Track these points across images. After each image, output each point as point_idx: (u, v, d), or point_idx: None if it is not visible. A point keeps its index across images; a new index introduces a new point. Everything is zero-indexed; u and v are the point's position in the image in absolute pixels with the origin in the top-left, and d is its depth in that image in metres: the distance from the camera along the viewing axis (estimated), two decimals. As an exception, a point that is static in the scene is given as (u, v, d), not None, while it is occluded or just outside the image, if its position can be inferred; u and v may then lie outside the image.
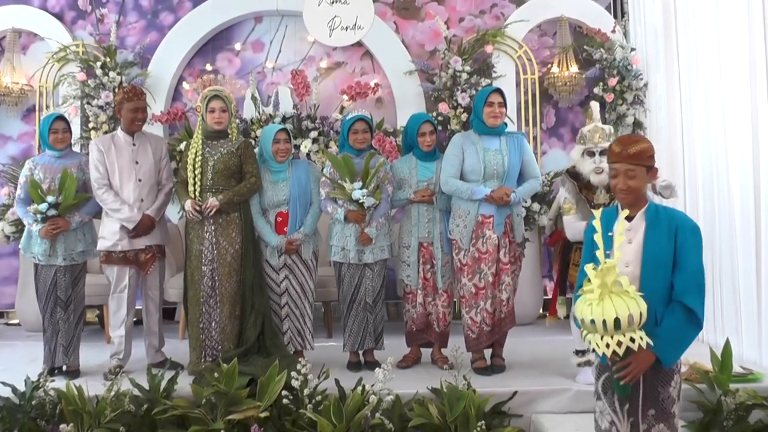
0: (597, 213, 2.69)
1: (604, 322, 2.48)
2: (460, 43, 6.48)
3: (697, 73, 5.34)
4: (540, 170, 4.84)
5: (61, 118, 4.67)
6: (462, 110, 6.23)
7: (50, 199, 4.41)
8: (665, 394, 2.70)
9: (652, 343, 2.54)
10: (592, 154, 4.24)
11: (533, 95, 6.52)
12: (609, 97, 6.25)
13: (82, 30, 6.77)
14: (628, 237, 2.71)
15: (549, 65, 6.58)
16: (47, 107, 6.61)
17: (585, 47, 6.44)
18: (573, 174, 4.36)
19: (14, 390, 3.90)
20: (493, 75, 6.42)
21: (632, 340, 2.48)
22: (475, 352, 4.49)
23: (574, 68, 6.41)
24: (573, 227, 4.25)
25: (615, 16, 6.61)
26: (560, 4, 6.55)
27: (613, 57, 6.29)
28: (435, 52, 6.61)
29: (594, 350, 2.60)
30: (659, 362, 2.63)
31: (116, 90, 6.19)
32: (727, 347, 3.98)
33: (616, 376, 2.62)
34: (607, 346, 2.49)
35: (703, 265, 2.71)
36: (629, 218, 2.73)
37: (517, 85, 6.52)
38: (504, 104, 4.46)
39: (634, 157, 2.69)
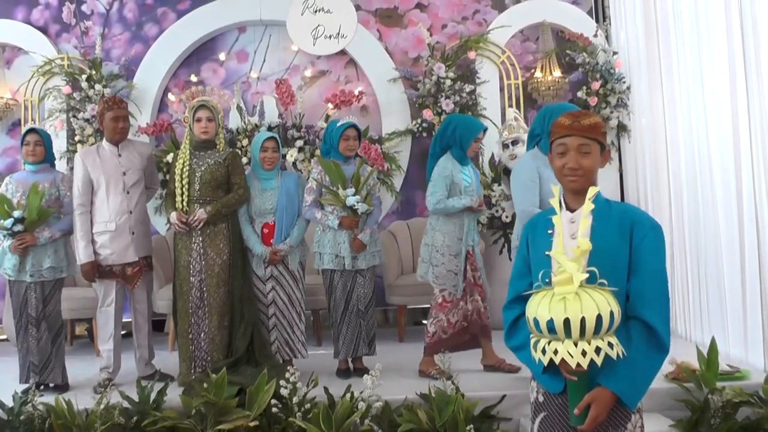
0: (556, 189, 2.22)
1: (582, 321, 1.94)
2: (443, 49, 6.53)
3: (679, 75, 5.39)
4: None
5: (34, 131, 4.61)
6: (446, 116, 6.23)
7: (16, 214, 4.34)
8: None
9: (625, 354, 2.03)
10: (506, 146, 5.00)
11: (517, 100, 6.56)
12: (592, 101, 6.29)
13: (67, 43, 6.80)
14: (571, 232, 2.15)
15: (532, 70, 6.61)
16: (33, 121, 6.62)
17: (567, 51, 6.48)
18: (506, 170, 5.04)
19: (2, 405, 3.90)
20: (477, 81, 6.47)
21: (611, 345, 1.98)
22: None
23: (557, 72, 6.45)
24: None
25: (597, 21, 6.65)
26: (542, 9, 6.61)
27: (595, 61, 6.34)
28: (418, 59, 6.67)
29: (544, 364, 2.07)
30: (620, 403, 2.09)
31: (101, 102, 6.21)
32: (713, 346, 4.01)
33: (576, 411, 2.08)
34: (583, 354, 1.95)
35: (665, 271, 2.18)
36: (571, 210, 2.21)
37: (501, 90, 6.57)
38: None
39: (588, 129, 2.18)
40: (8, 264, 4.45)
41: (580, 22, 6.57)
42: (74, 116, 6.43)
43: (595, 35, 6.41)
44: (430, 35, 6.59)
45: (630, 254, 2.15)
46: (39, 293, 4.47)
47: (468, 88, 6.33)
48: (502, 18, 6.64)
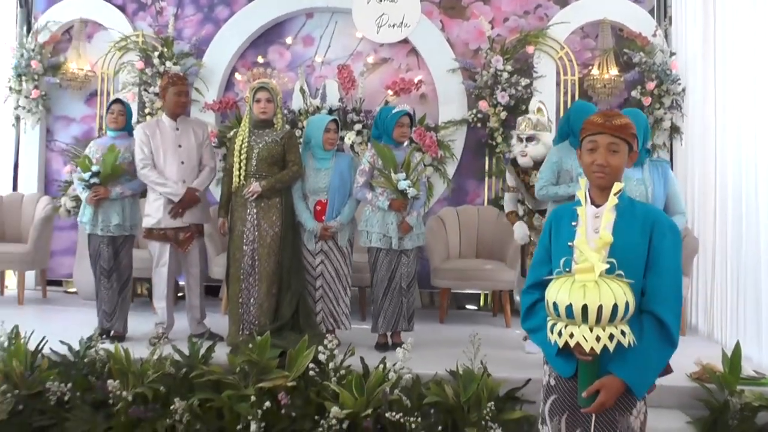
0: (582, 182, 2.36)
1: (599, 308, 2.08)
2: (503, 42, 6.62)
3: (733, 79, 5.43)
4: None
5: (118, 101, 5.08)
6: (501, 108, 6.38)
7: (94, 168, 4.83)
8: (624, 424, 2.27)
9: (635, 343, 2.16)
10: (520, 140, 4.92)
11: (573, 96, 6.61)
12: (646, 101, 6.30)
13: (143, 21, 7.16)
14: (594, 226, 2.27)
15: (590, 67, 6.65)
16: (108, 92, 7.02)
17: (625, 50, 6.50)
18: (514, 161, 5.04)
19: (70, 349, 4.28)
20: (534, 75, 6.55)
21: (623, 333, 2.12)
22: None
23: (614, 71, 6.48)
24: (517, 229, 4.99)
25: (658, 20, 6.64)
26: (603, 6, 6.62)
27: (652, 61, 6.34)
28: (478, 50, 6.77)
29: (558, 345, 2.20)
30: (628, 390, 2.22)
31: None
32: (736, 349, 4.09)
33: (585, 394, 2.22)
34: (597, 339, 2.09)
35: (680, 270, 2.31)
36: (596, 205, 2.33)
37: (557, 85, 6.63)
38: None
39: (619, 129, 2.31)
40: (85, 218, 4.94)
41: (640, 21, 6.56)
42: (145, 90, 6.80)
43: (654, 35, 6.42)
44: (492, 28, 6.69)
45: (648, 252, 2.27)
46: (111, 246, 4.94)
47: (524, 81, 6.42)
48: (563, 13, 6.68)
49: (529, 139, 4.87)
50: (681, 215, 3.87)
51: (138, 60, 6.83)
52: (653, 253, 2.27)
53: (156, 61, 6.76)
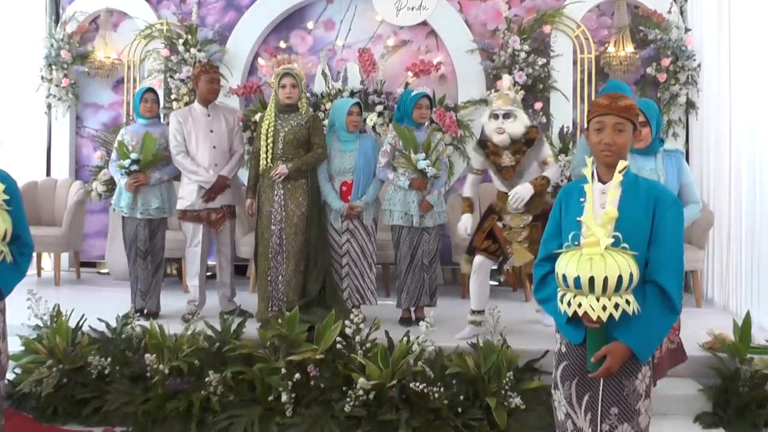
0: (589, 161, 2.47)
1: (605, 280, 2.21)
2: (520, 23, 6.70)
3: (747, 55, 5.51)
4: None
5: (151, 90, 5.27)
6: (519, 87, 6.47)
7: (133, 156, 5.01)
8: (630, 387, 2.42)
9: (639, 310, 2.30)
10: (496, 116, 4.57)
11: (589, 74, 6.70)
12: (662, 77, 6.37)
13: (167, 10, 7.31)
14: (601, 201, 2.39)
15: (606, 45, 6.71)
16: (134, 80, 7.20)
17: (641, 27, 6.54)
18: (482, 141, 4.77)
19: (107, 326, 4.53)
20: (551, 54, 6.64)
21: (628, 302, 2.25)
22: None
23: (629, 48, 6.54)
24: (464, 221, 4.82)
25: (675, -3, 6.67)
26: (620, -17, 6.64)
27: (668, 37, 6.38)
28: (496, 31, 6.84)
29: (567, 314, 2.34)
30: (633, 355, 2.37)
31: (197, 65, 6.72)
32: (747, 319, 4.23)
33: (593, 360, 2.36)
34: (604, 308, 2.23)
35: (682, 243, 2.43)
36: (602, 182, 2.47)
37: (574, 63, 6.70)
38: (645, 124, 3.66)
39: (625, 110, 2.44)
40: (123, 203, 5.13)
41: (657, -2, 6.60)
42: (171, 77, 6.97)
43: (669, 11, 6.46)
44: (509, 8, 6.77)
45: (652, 226, 2.39)
46: (147, 229, 5.16)
47: (541, 61, 6.50)
48: (580, -8, 6.71)
49: (506, 115, 4.56)
50: (695, 204, 3.81)
51: (163, 47, 7.00)
52: (656, 227, 2.39)
53: (180, 48, 6.92)
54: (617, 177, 2.37)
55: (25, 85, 7.29)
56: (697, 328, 4.50)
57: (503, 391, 3.91)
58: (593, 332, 2.37)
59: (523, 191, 4.50)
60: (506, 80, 4.99)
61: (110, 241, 6.85)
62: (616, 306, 2.24)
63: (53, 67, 7.17)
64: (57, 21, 7.37)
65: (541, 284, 2.62)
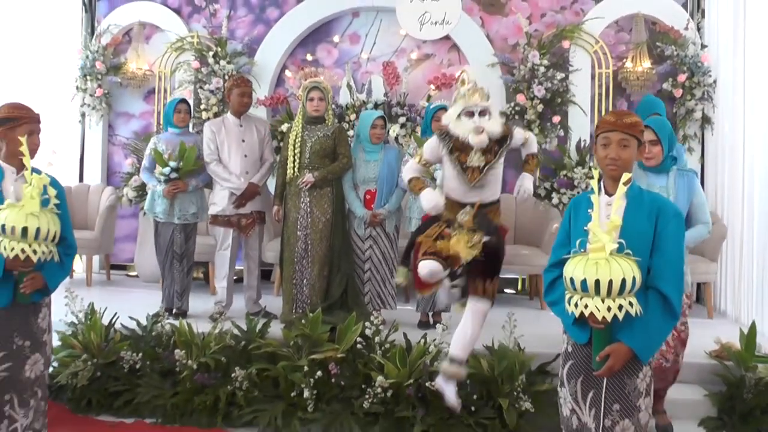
0: (596, 173, 2.61)
1: (610, 282, 2.38)
2: (540, 38, 6.86)
3: (762, 72, 5.64)
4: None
5: (184, 101, 5.52)
6: (538, 101, 6.63)
7: (172, 164, 5.23)
8: (631, 385, 2.58)
9: (642, 312, 2.46)
10: (471, 114, 3.89)
11: (607, 89, 6.84)
12: (678, 93, 6.50)
13: (197, 23, 7.57)
14: (607, 212, 2.56)
15: (624, 60, 6.85)
16: (165, 90, 7.45)
17: (658, 43, 6.67)
18: (444, 135, 4.02)
19: (139, 324, 4.75)
20: (570, 69, 6.79)
21: (631, 304, 2.42)
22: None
23: (647, 63, 6.67)
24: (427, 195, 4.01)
25: (692, 14, 6.81)
26: (637, 0, 6.80)
27: (684, 53, 6.51)
28: (516, 46, 7.01)
29: (574, 315, 2.51)
30: (635, 356, 2.53)
31: (226, 77, 6.96)
32: (752, 328, 4.36)
33: (598, 358, 2.53)
34: (608, 309, 2.40)
35: (683, 252, 2.62)
36: (609, 194, 2.64)
37: (592, 78, 6.84)
38: (656, 142, 3.71)
39: (629, 127, 2.60)
40: (159, 209, 5.36)
41: (674, 15, 6.72)
42: (201, 87, 7.18)
43: (686, 28, 6.59)
44: (529, 23, 6.93)
45: (654, 235, 2.56)
46: (183, 233, 5.40)
47: (559, 75, 6.65)
48: (598, 8, 6.86)
49: (482, 113, 3.92)
50: (704, 225, 3.76)
51: (194, 59, 7.22)
52: (658, 237, 2.56)
53: (210, 60, 7.13)
54: (621, 189, 2.52)
55: (60, 94, 7.57)
56: (706, 338, 4.62)
57: (515, 393, 4.08)
58: (598, 333, 2.53)
59: (526, 183, 4.22)
60: (470, 72, 4.31)
61: (140, 246, 7.10)
62: (620, 307, 2.41)
63: (88, 77, 7.44)
64: (92, 33, 7.65)
65: (550, 288, 2.80)
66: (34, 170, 3.07)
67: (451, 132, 3.96)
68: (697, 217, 3.76)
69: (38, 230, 2.98)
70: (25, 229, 2.95)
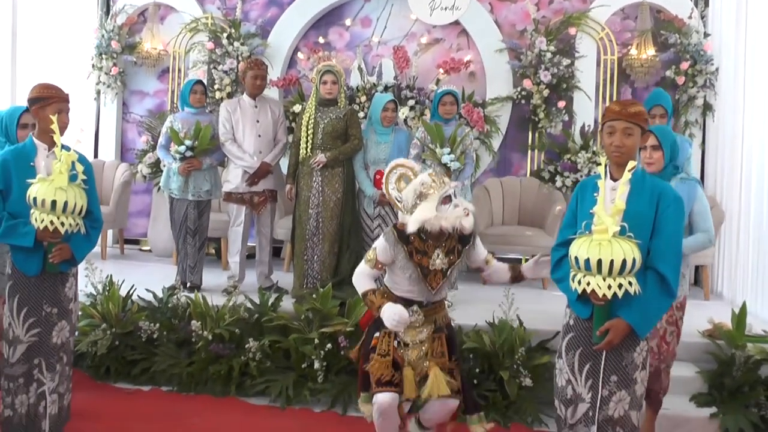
0: (603, 160, 2.77)
1: (611, 262, 2.53)
2: (547, 24, 6.97)
3: (763, 60, 5.77)
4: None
5: (200, 82, 5.68)
6: (544, 86, 6.77)
7: (188, 142, 5.39)
8: (629, 359, 2.74)
9: (640, 291, 2.62)
10: (448, 199, 3.23)
11: (611, 75, 6.96)
12: (680, 80, 6.61)
13: (211, 4, 7.69)
14: (612, 196, 2.70)
15: (628, 47, 6.95)
16: (179, 70, 7.61)
17: (662, 31, 6.77)
18: (403, 234, 3.27)
19: (155, 296, 4.94)
20: (576, 55, 6.89)
21: (630, 284, 2.58)
22: None
23: (651, 51, 6.76)
24: (391, 313, 3.21)
25: (696, 3, 6.88)
26: (644, -13, 6.89)
27: (687, 41, 6.62)
28: (524, 32, 7.10)
29: (578, 292, 2.66)
30: (632, 331, 2.69)
31: (239, 58, 7.13)
32: (743, 308, 4.53)
33: (598, 333, 2.69)
34: (609, 287, 2.56)
35: (681, 235, 2.77)
36: (614, 179, 2.78)
37: (598, 64, 6.96)
38: (658, 147, 3.52)
39: (633, 116, 2.73)
40: (174, 186, 5.53)
41: (678, 3, 6.80)
42: (214, 68, 7.33)
43: (690, 16, 6.69)
44: (537, 10, 7.03)
45: (654, 218, 2.71)
46: (196, 210, 5.56)
47: (565, 61, 6.76)
48: (605, -5, 6.95)
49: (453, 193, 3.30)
50: (704, 234, 3.62)
51: (208, 40, 7.35)
52: (658, 220, 2.71)
53: (224, 41, 7.27)
54: (626, 175, 2.66)
55: (76, 72, 7.70)
56: (701, 319, 4.80)
57: (515, 366, 4.26)
58: (599, 309, 2.70)
59: (544, 272, 3.39)
60: (407, 163, 3.53)
61: (153, 221, 7.30)
62: (620, 286, 2.58)
63: (103, 56, 7.59)
64: (108, 13, 7.79)
65: (557, 266, 2.99)
66: (64, 147, 3.25)
67: (427, 228, 3.20)
68: (697, 225, 3.64)
69: (66, 203, 3.18)
70: (54, 202, 3.15)
